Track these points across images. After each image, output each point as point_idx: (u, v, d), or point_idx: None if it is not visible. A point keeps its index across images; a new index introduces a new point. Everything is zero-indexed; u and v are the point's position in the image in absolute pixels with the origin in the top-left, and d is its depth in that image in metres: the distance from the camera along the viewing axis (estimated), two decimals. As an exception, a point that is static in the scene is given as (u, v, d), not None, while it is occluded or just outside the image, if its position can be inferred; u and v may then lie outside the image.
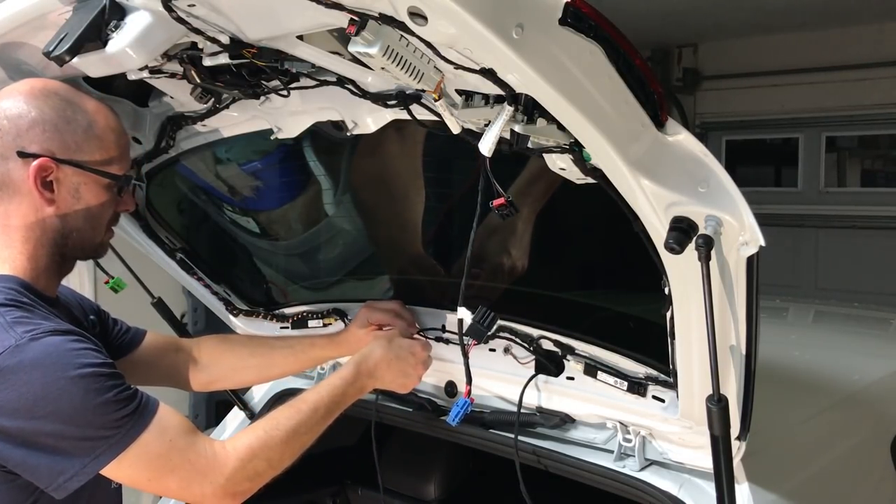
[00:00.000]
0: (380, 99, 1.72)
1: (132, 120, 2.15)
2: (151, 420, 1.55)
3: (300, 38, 1.57)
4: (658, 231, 1.48)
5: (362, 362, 1.98)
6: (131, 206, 1.80)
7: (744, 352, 1.60)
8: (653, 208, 1.46)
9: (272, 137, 2.01)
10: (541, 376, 2.05)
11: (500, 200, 1.49)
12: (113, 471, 1.51)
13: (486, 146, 1.42)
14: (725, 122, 7.61)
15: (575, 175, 1.53)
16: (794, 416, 2.33)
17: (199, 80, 1.70)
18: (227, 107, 1.99)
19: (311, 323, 2.46)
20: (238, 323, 2.61)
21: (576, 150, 1.45)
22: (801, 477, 2.14)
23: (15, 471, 1.51)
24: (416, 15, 1.22)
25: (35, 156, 1.60)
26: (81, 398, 1.48)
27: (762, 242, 1.44)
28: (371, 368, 1.99)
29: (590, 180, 1.52)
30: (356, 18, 1.28)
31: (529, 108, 1.39)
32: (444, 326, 2.21)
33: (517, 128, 1.41)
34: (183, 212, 2.56)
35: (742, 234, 1.45)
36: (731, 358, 1.60)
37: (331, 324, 2.43)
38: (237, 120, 2.05)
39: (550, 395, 2.06)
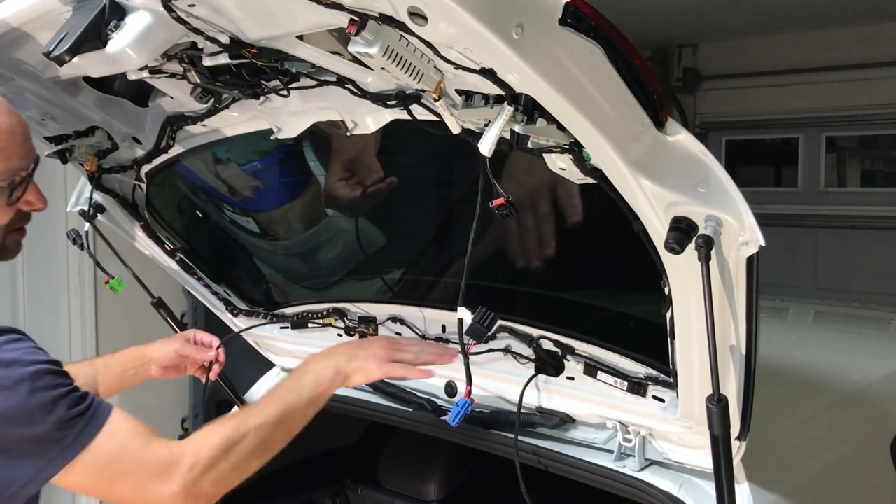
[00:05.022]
0: (380, 99, 1.71)
1: (132, 120, 2.16)
2: (105, 422, 1.51)
3: (300, 38, 1.57)
4: (658, 231, 1.48)
5: (337, 356, 1.86)
6: (40, 205, 1.71)
7: (744, 352, 1.60)
8: (653, 208, 1.46)
9: (272, 137, 2.01)
10: (541, 376, 2.05)
11: (500, 200, 1.49)
12: (65, 477, 1.47)
13: (486, 146, 1.42)
14: (725, 122, 7.60)
15: (575, 175, 1.53)
16: (794, 416, 2.33)
17: (199, 80, 1.70)
18: (227, 107, 1.99)
19: (310, 323, 2.46)
20: (238, 323, 2.61)
21: (576, 150, 1.45)
22: (801, 477, 2.14)
23: None
24: (416, 15, 1.22)
25: None
26: (27, 397, 1.44)
27: (762, 242, 1.44)
28: (346, 361, 1.85)
29: (590, 180, 1.52)
30: (356, 18, 1.28)
31: (529, 108, 1.39)
32: (444, 327, 2.21)
33: (517, 128, 1.41)
34: (183, 212, 2.56)
35: (742, 234, 1.44)
36: (731, 358, 1.60)
37: (331, 324, 2.43)
38: (237, 120, 2.05)
39: (550, 395, 2.06)
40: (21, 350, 1.49)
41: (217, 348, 2.24)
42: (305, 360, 1.89)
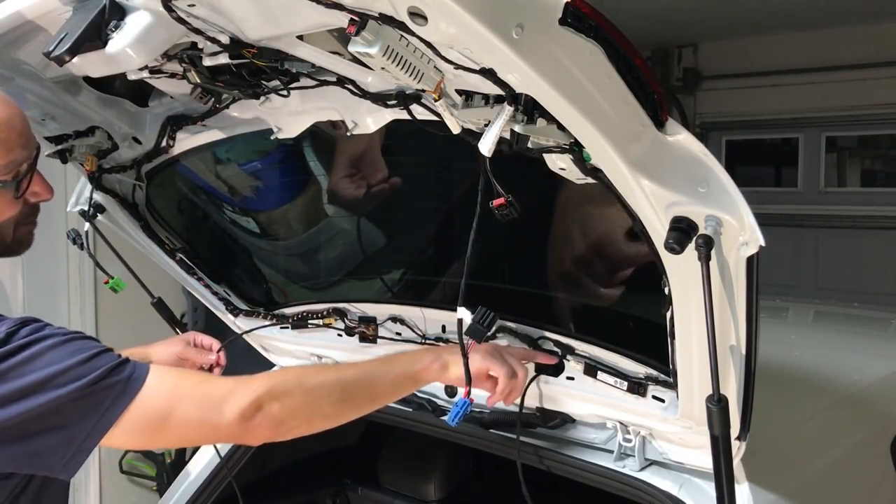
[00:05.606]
0: (380, 99, 1.71)
1: (132, 120, 2.16)
2: (148, 371, 1.51)
3: (300, 38, 1.57)
4: (658, 231, 1.48)
5: (443, 349, 1.85)
6: (46, 195, 1.70)
7: (744, 352, 1.60)
8: (653, 208, 1.46)
9: (272, 137, 2.01)
10: (541, 376, 2.05)
11: (501, 200, 1.49)
12: (121, 431, 1.46)
13: (486, 146, 1.42)
14: (725, 122, 7.60)
15: (575, 175, 1.53)
16: (794, 416, 2.33)
17: (199, 80, 1.70)
18: (227, 107, 1.99)
19: (311, 323, 2.46)
20: (238, 323, 2.61)
21: (576, 150, 1.45)
22: (801, 477, 2.14)
23: (14, 470, 1.48)
24: (416, 15, 1.22)
25: None
26: (68, 357, 1.45)
27: (762, 242, 1.44)
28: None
29: (590, 180, 1.52)
30: (356, 18, 1.28)
31: (529, 108, 1.39)
32: (444, 327, 2.21)
33: (517, 128, 1.41)
34: (183, 212, 2.56)
35: (742, 234, 1.44)
36: (731, 358, 1.60)
37: (331, 324, 2.43)
38: (237, 120, 2.05)
39: (550, 395, 2.06)
40: (51, 328, 1.51)
41: (218, 351, 2.24)
42: (410, 349, 1.90)
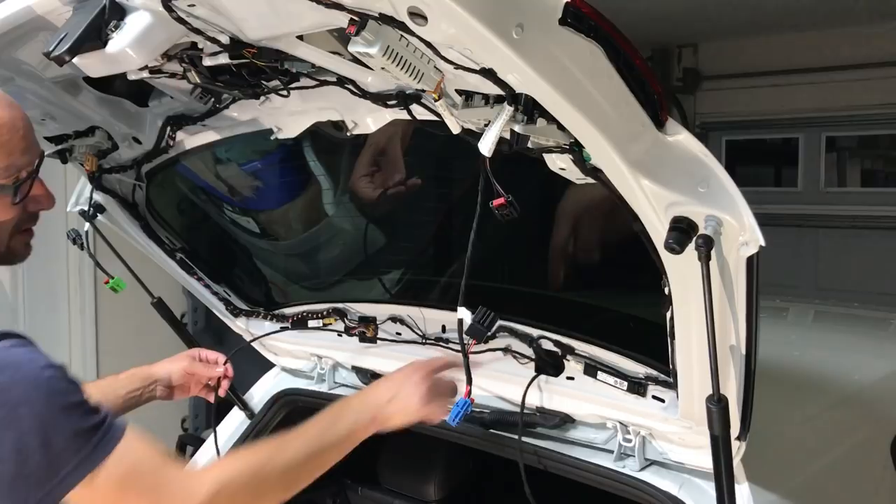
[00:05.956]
0: (380, 99, 1.72)
1: (132, 120, 2.16)
2: (122, 436, 1.40)
3: (300, 38, 1.57)
4: (658, 231, 1.48)
5: (379, 396, 1.83)
6: (47, 203, 1.63)
7: (744, 352, 1.60)
8: (653, 208, 1.46)
9: (272, 137, 2.01)
10: (541, 376, 2.05)
11: (500, 200, 1.49)
12: (77, 496, 1.35)
13: (486, 146, 1.42)
14: (725, 122, 7.59)
15: (575, 175, 1.53)
16: (794, 416, 2.33)
17: (199, 80, 1.70)
18: (227, 107, 1.99)
19: (310, 323, 2.46)
20: (238, 323, 2.61)
21: (576, 150, 1.45)
22: (801, 477, 2.14)
23: None
24: (416, 15, 1.22)
25: None
26: (45, 402, 1.33)
27: (762, 242, 1.44)
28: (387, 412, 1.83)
29: (590, 180, 1.52)
30: (356, 18, 1.28)
31: (529, 108, 1.39)
32: (444, 327, 2.21)
33: (517, 128, 1.41)
34: (183, 212, 2.56)
35: (742, 234, 1.44)
36: (731, 358, 1.60)
37: (331, 324, 2.43)
38: (237, 120, 2.05)
39: (550, 395, 2.06)
40: (31, 354, 1.40)
41: (224, 364, 2.23)
42: (346, 399, 1.83)
